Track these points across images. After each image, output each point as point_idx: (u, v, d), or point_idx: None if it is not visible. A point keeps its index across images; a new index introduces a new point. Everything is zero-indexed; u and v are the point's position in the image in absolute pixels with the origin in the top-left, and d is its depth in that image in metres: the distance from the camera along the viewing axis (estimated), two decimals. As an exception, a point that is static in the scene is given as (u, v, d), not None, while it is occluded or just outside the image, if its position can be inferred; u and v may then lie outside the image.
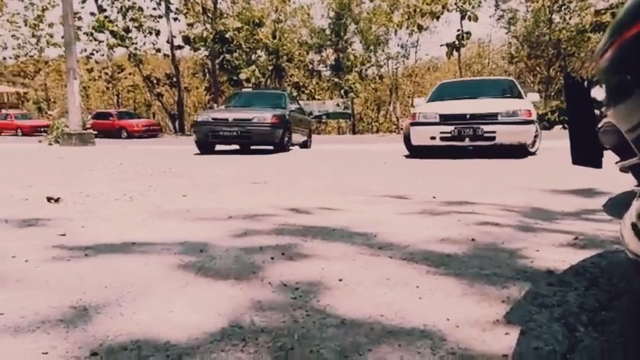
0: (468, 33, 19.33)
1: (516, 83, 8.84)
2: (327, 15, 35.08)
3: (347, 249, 1.92)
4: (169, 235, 2.11)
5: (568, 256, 1.82)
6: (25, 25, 31.01)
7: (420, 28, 23.13)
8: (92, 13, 27.16)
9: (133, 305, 1.30)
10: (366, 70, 34.67)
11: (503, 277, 1.59)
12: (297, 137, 10.66)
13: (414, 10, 20.44)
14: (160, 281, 1.49)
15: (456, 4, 19.11)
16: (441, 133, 6.93)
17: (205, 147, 9.34)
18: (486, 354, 1.07)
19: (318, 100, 31.06)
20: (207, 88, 32.94)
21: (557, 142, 8.35)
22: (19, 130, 25.42)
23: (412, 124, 7.34)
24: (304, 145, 11.49)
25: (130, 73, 33.08)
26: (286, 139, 9.49)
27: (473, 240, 2.11)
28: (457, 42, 19.42)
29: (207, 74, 32.24)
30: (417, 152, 7.50)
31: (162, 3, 27.85)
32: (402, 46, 36.32)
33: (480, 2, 19.61)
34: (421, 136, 7.18)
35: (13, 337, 1.07)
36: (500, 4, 30.52)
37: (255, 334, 1.14)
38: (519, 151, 6.95)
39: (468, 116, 6.91)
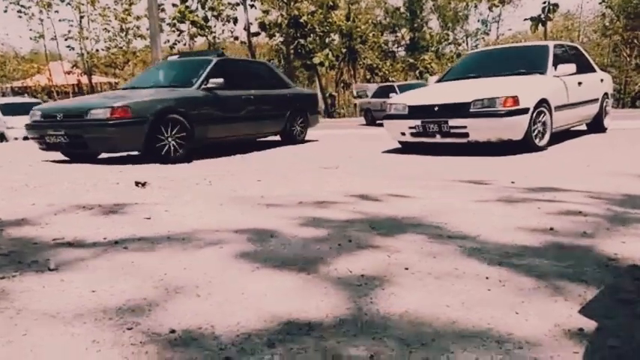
0: (556, 5, 18.00)
1: (576, 49, 7.09)
2: (402, -7, 34.21)
3: (415, 237, 1.91)
4: (243, 221, 2.20)
5: (658, 249, 1.68)
6: (115, 18, 33.05)
7: (503, 1, 21.86)
8: (174, 5, 28.41)
9: (208, 287, 1.38)
10: (443, 48, 33.52)
11: (582, 270, 1.51)
12: (231, 130, 6.27)
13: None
14: (233, 265, 1.57)
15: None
16: (410, 128, 5.67)
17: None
18: (556, 350, 1.03)
19: (392, 81, 30.55)
20: (283, 73, 33.45)
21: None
22: None
23: (385, 117, 6.20)
24: (292, 137, 7.29)
25: (209, 61, 34.34)
26: (172, 141, 5.14)
27: (551, 229, 2.01)
28: (543, 15, 18.16)
29: (282, 59, 32.70)
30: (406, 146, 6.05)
31: (240, -9, 28.52)
32: (482, 22, 34.68)
33: (569, -29, 18.12)
34: (393, 132, 6.02)
35: (103, 313, 1.19)
36: (592, -28, 28.10)
37: (320, 319, 1.17)
38: (518, 147, 5.26)
39: (435, 108, 5.51)
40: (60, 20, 33.62)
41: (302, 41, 27.01)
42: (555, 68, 5.82)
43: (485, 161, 4.81)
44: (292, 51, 28.73)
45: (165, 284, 1.39)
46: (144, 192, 3.04)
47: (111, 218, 2.24)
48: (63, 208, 2.40)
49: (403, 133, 5.78)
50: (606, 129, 7.32)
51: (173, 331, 1.10)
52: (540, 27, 19.12)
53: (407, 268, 1.52)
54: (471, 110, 5.19)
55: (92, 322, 1.14)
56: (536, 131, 5.31)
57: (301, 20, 26.79)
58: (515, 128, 5.15)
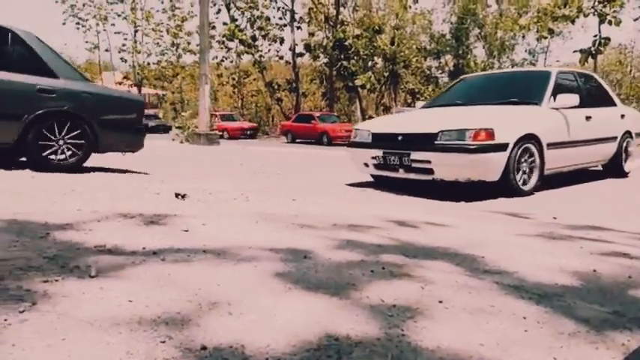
0: (607, 38, 17.51)
1: (590, 78, 6.17)
2: (448, 20, 34.21)
3: (450, 269, 1.87)
4: (277, 239, 2.22)
5: None
6: (167, 33, 34.38)
7: (552, 32, 21.50)
8: (225, 23, 29.35)
9: (240, 305, 1.39)
10: (488, 77, 33.11)
11: (626, 317, 1.44)
12: None
13: (545, 14, 19.03)
14: (266, 284, 1.58)
15: (593, 7, 17.46)
16: (372, 158, 4.94)
17: None
18: (596, 403, 0.98)
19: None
20: (324, 94, 33.84)
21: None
22: (224, 132, 23.22)
23: (348, 144, 5.48)
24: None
25: (254, 79, 35.16)
26: None
27: (594, 271, 1.94)
28: (593, 48, 17.72)
29: (325, 80, 33.11)
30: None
31: (288, 13, 29.23)
32: (530, 52, 34.20)
33: (623, 4, 17.61)
34: (357, 162, 5.26)
35: (138, 323, 1.21)
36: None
37: (350, 347, 1.16)
38: (497, 190, 4.46)
39: (399, 137, 4.75)
40: (115, 33, 35.26)
41: (345, 63, 27.33)
42: (555, 99, 5.03)
43: (432, 205, 3.93)
44: (335, 72, 29.08)
45: (199, 299, 1.41)
46: (183, 204, 3.11)
47: (150, 228, 2.30)
48: (106, 216, 2.49)
49: (366, 164, 5.08)
50: (627, 173, 6.32)
51: (204, 348, 1.11)
52: (590, 60, 18.65)
53: (440, 302, 1.49)
54: (436, 142, 4.44)
55: (127, 332, 1.16)
56: (520, 172, 4.54)
57: (346, 43, 27.15)
58: (487, 167, 4.35)
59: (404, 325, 1.31)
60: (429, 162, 4.47)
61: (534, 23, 19.87)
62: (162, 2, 33.63)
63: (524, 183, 4.58)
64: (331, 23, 28.72)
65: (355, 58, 27.82)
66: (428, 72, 34.55)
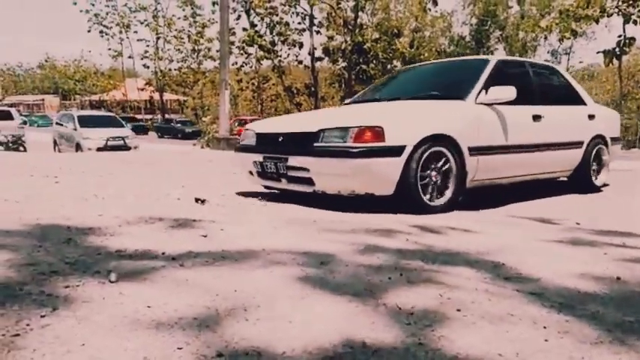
0: (632, 39, 17.13)
1: (551, 70, 5.11)
2: (468, 22, 33.94)
3: (470, 275, 1.85)
4: (295, 244, 2.22)
5: None
6: (188, 40, 34.89)
7: (575, 33, 21.14)
8: (244, 29, 29.62)
9: (256, 311, 1.40)
10: (509, 79, 32.76)
11: (652, 328, 1.40)
12: None
13: (567, 15, 18.72)
14: (282, 290, 1.58)
15: (617, 7, 17.11)
16: (254, 165, 4.03)
17: None
18: (620, 416, 0.95)
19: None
20: (342, 98, 33.85)
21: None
22: None
23: (235, 149, 4.53)
24: None
25: (273, 84, 35.40)
26: None
27: (619, 279, 1.89)
28: (618, 48, 17.36)
29: (343, 84, 33.12)
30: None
31: (307, 17, 29.36)
32: (552, 53, 33.70)
33: (649, 3, 17.21)
34: (243, 169, 4.33)
35: (156, 329, 1.23)
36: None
37: (366, 356, 1.15)
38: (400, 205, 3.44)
39: (280, 138, 3.84)
40: (138, 40, 35.98)
41: (364, 67, 27.30)
42: (487, 92, 3.97)
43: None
44: (354, 76, 29.08)
45: (216, 305, 1.42)
46: (202, 209, 3.14)
47: (169, 233, 2.32)
48: (127, 221, 2.53)
49: (251, 172, 4.15)
50: (599, 188, 5.14)
51: (220, 355, 1.11)
52: (615, 61, 18.28)
53: (459, 310, 1.47)
54: (316, 145, 3.50)
55: (145, 337, 1.18)
56: (428, 184, 3.55)
57: (365, 47, 27.14)
58: (374, 176, 3.38)
59: (421, 333, 1.29)
60: (307, 170, 3.56)
61: (556, 24, 19.56)
62: (184, 10, 34.15)
63: (433, 198, 3.58)
64: (350, 27, 28.74)
65: (374, 61, 27.79)
66: (448, 75, 34.31)
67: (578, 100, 5.09)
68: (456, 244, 2.40)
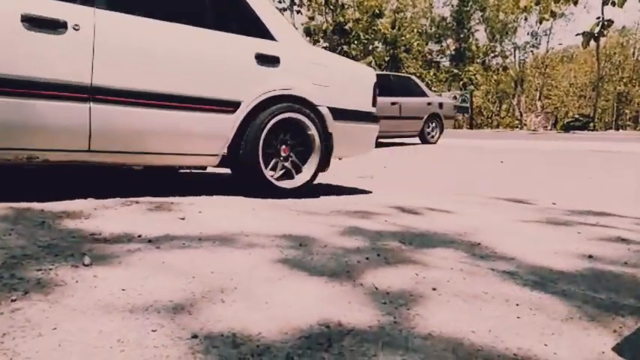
0: (610, 21, 17.33)
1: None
2: (449, 2, 33.86)
3: (446, 255, 1.87)
4: (274, 226, 2.21)
5: None
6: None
7: (554, 14, 21.24)
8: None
9: (233, 293, 1.39)
10: (490, 60, 32.95)
11: (619, 303, 1.44)
12: None
13: (547, -5, 18.83)
14: (260, 272, 1.58)
15: (596, -12, 17.26)
16: None
17: None
18: (586, 390, 0.98)
19: (435, 92, 30.26)
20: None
21: None
22: None
23: None
24: None
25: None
26: None
27: (590, 257, 1.94)
28: (596, 30, 17.55)
29: (326, 65, 32.89)
30: None
31: (287, -4, 28.93)
32: (532, 35, 33.91)
33: (627, -15, 17.37)
34: None
35: (130, 312, 1.21)
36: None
37: (341, 335, 1.16)
38: None
39: None
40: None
41: (346, 48, 27.13)
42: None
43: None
44: (336, 57, 28.84)
45: (192, 287, 1.41)
46: (182, 191, 3.10)
47: (147, 216, 2.29)
48: (103, 204, 2.48)
49: None
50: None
51: (195, 337, 1.11)
52: (593, 42, 18.49)
53: (434, 289, 1.49)
54: None
55: (119, 320, 1.17)
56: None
57: (346, 27, 26.92)
58: None
59: (396, 312, 1.31)
60: None
61: (535, 4, 19.65)
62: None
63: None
64: (331, 7, 28.45)
65: (355, 42, 27.64)
66: (429, 56, 34.28)
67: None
68: (434, 224, 2.43)
